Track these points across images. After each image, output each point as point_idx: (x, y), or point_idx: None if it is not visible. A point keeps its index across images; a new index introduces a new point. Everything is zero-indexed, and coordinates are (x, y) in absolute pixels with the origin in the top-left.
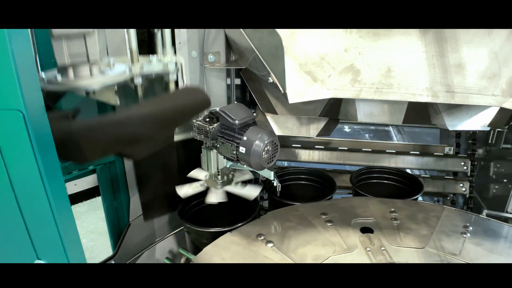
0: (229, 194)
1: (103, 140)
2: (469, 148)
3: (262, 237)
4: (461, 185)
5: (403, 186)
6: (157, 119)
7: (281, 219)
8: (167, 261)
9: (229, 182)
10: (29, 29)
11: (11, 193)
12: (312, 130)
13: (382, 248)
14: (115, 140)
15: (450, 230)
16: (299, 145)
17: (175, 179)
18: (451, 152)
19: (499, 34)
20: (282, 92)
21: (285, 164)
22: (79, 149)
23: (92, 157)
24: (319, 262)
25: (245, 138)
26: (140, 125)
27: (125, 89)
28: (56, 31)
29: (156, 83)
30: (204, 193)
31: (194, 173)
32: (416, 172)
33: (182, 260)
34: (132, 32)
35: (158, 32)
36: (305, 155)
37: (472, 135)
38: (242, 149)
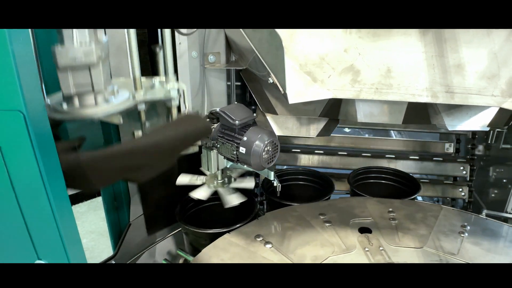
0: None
1: (110, 170)
2: (469, 152)
3: (261, 238)
4: (460, 189)
5: (400, 186)
6: (160, 149)
7: (279, 220)
8: (165, 263)
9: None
10: (29, 30)
11: (12, 194)
12: (312, 130)
13: (381, 248)
14: (121, 170)
15: (448, 230)
16: (299, 150)
17: (177, 192)
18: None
19: (499, 35)
20: (282, 92)
21: (285, 167)
22: (86, 179)
23: (99, 186)
24: (318, 263)
25: (245, 138)
26: (145, 156)
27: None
28: (61, 63)
29: (159, 106)
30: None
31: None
32: (417, 177)
33: (181, 262)
34: (135, 57)
35: (160, 51)
36: (305, 160)
37: (472, 140)
38: (242, 150)
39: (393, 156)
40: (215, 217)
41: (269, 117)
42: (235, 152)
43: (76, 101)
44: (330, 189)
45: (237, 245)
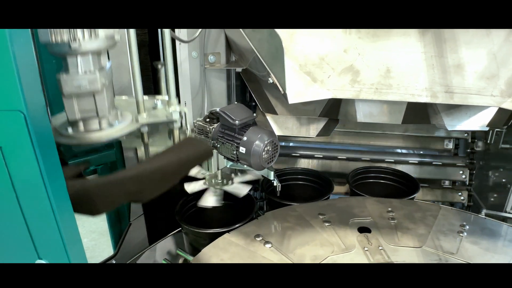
0: (226, 195)
1: (115, 196)
2: (468, 156)
3: (260, 238)
4: (459, 193)
5: (399, 185)
6: (164, 173)
7: (279, 220)
8: (165, 263)
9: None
10: (29, 30)
11: (13, 193)
12: (312, 130)
13: (380, 248)
14: (126, 195)
15: (447, 229)
16: (298, 154)
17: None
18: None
19: (498, 35)
20: (282, 92)
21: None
22: (93, 205)
23: (104, 211)
24: (318, 262)
25: (245, 138)
26: (149, 181)
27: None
28: (67, 90)
29: (162, 127)
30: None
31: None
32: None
33: (180, 262)
34: (138, 79)
35: (161, 68)
36: (304, 164)
37: (471, 144)
38: (242, 149)
39: (393, 160)
40: (215, 217)
41: (269, 117)
42: (235, 152)
43: (81, 126)
44: (329, 188)
45: (237, 245)
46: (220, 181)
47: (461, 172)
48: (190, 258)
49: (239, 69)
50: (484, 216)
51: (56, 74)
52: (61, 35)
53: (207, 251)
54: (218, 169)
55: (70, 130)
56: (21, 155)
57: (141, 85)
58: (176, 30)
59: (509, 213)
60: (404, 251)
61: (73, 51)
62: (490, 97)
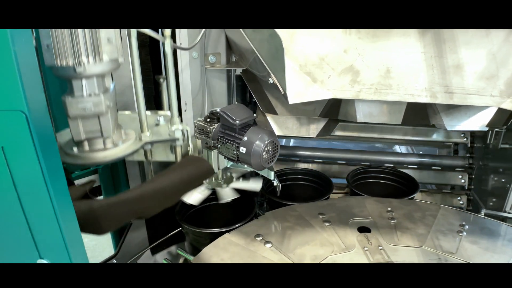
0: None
1: (120, 216)
2: (467, 161)
3: (261, 238)
4: (459, 198)
5: (399, 185)
6: (167, 193)
7: (279, 219)
8: (165, 262)
9: (229, 179)
10: (31, 30)
11: (14, 193)
12: (312, 130)
13: (380, 247)
14: (130, 215)
15: (446, 229)
16: (298, 159)
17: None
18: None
19: (497, 35)
20: (282, 92)
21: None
22: (99, 225)
23: (109, 230)
24: (318, 262)
25: (245, 138)
26: (152, 200)
27: None
28: (72, 113)
29: (165, 143)
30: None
31: None
32: None
33: (181, 261)
34: (141, 100)
35: (163, 82)
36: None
37: (470, 149)
38: (242, 149)
39: (392, 165)
40: (215, 217)
41: (269, 117)
42: (235, 152)
43: (86, 146)
44: (329, 188)
45: (237, 245)
46: (220, 182)
47: (460, 176)
48: (191, 258)
49: (239, 70)
50: (483, 216)
51: (61, 96)
52: (66, 59)
53: (207, 251)
54: (218, 169)
55: (75, 149)
56: (22, 155)
57: (144, 104)
58: (177, 30)
59: (508, 213)
60: (403, 250)
61: (78, 74)
62: (490, 97)
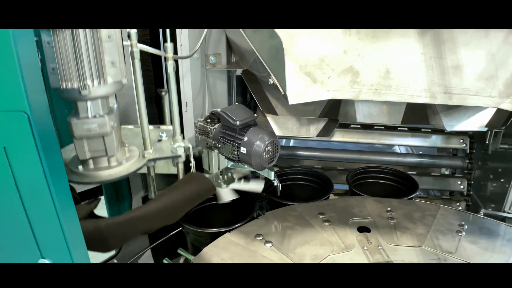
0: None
1: (125, 234)
2: (467, 167)
3: (261, 237)
4: (458, 204)
5: (398, 185)
6: (169, 211)
7: (279, 219)
8: (166, 262)
9: (230, 180)
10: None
11: (16, 193)
12: (312, 131)
13: (379, 247)
14: (135, 233)
15: (446, 229)
16: (298, 166)
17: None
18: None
19: (496, 36)
20: (282, 93)
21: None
22: (105, 243)
23: (115, 247)
24: (318, 262)
25: (246, 138)
26: (156, 219)
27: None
28: (77, 133)
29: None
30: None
31: None
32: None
33: (181, 261)
34: (145, 121)
35: (165, 95)
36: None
37: (469, 154)
38: (243, 150)
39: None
40: (216, 217)
41: (269, 118)
42: (236, 152)
43: (91, 164)
44: (329, 188)
45: (237, 244)
46: (220, 182)
47: (459, 182)
48: (191, 258)
49: (239, 70)
50: (482, 216)
51: (67, 117)
52: (71, 82)
53: (208, 251)
54: (219, 169)
55: (80, 168)
56: (24, 155)
57: (147, 122)
58: (177, 30)
59: (507, 212)
60: (403, 250)
61: (83, 97)
62: (489, 97)
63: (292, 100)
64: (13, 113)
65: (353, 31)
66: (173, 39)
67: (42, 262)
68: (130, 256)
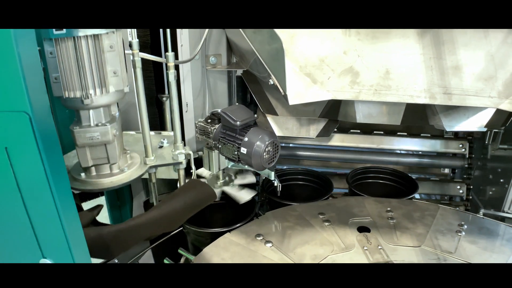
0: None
1: (128, 241)
2: (466, 172)
3: (261, 237)
4: (457, 209)
5: (398, 185)
6: (171, 218)
7: (279, 219)
8: (167, 262)
9: (228, 183)
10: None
11: (17, 193)
12: (312, 131)
13: (379, 247)
14: (137, 240)
15: (445, 229)
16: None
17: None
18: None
19: (496, 37)
20: (283, 93)
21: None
22: (107, 250)
23: (117, 254)
24: (318, 262)
25: (246, 139)
26: (158, 226)
27: None
28: (80, 142)
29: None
30: None
31: (200, 171)
32: (417, 196)
33: (182, 261)
34: (146, 129)
35: (166, 100)
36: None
37: (468, 159)
38: (243, 150)
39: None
40: (216, 217)
41: (269, 118)
42: (236, 153)
43: (93, 171)
44: (329, 188)
45: (237, 244)
46: (222, 181)
47: (458, 187)
48: (192, 257)
49: (240, 71)
50: (482, 216)
51: (69, 126)
52: (74, 92)
53: (208, 251)
54: (219, 169)
55: (83, 175)
56: (26, 155)
57: (149, 130)
58: (178, 30)
59: (507, 212)
60: (403, 250)
61: (86, 106)
62: (488, 98)
63: (292, 100)
64: (15, 114)
65: (353, 31)
66: (174, 40)
67: (43, 262)
68: (130, 256)
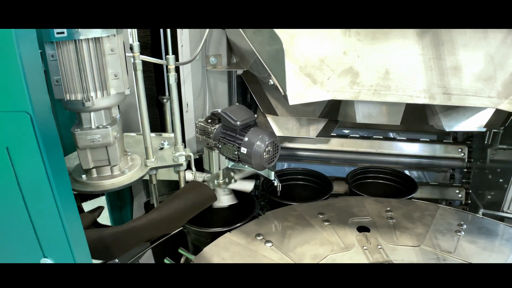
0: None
1: (128, 243)
2: (464, 176)
3: (261, 237)
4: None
5: (398, 185)
6: (172, 220)
7: (279, 219)
8: (167, 262)
9: (229, 182)
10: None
11: (18, 193)
12: (312, 131)
13: (379, 247)
14: (138, 241)
15: (445, 229)
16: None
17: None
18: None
19: (495, 37)
20: (283, 94)
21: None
22: (108, 252)
23: (118, 256)
24: (318, 262)
25: (246, 139)
26: (158, 228)
27: None
28: (81, 144)
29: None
30: None
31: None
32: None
33: (182, 261)
34: (147, 131)
35: (167, 102)
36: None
37: (467, 163)
38: (243, 150)
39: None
40: (216, 217)
41: (269, 118)
42: (236, 153)
43: (94, 173)
44: (329, 188)
45: (237, 244)
46: (222, 181)
47: (457, 191)
48: (192, 257)
49: (240, 71)
50: (481, 216)
51: (71, 128)
52: (75, 94)
53: (208, 250)
54: (219, 169)
55: (84, 177)
56: (27, 155)
57: (149, 132)
58: (178, 30)
59: (506, 212)
60: (402, 250)
61: (87, 108)
62: (487, 98)
63: (292, 100)
64: (16, 114)
65: (353, 32)
66: (174, 40)
67: (44, 262)
68: (131, 256)
